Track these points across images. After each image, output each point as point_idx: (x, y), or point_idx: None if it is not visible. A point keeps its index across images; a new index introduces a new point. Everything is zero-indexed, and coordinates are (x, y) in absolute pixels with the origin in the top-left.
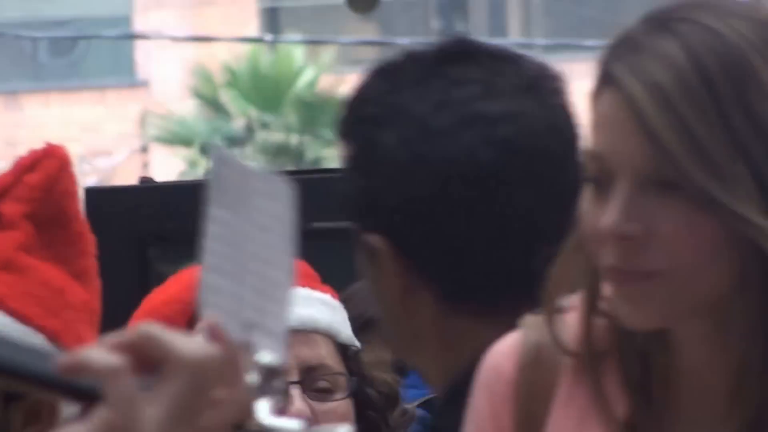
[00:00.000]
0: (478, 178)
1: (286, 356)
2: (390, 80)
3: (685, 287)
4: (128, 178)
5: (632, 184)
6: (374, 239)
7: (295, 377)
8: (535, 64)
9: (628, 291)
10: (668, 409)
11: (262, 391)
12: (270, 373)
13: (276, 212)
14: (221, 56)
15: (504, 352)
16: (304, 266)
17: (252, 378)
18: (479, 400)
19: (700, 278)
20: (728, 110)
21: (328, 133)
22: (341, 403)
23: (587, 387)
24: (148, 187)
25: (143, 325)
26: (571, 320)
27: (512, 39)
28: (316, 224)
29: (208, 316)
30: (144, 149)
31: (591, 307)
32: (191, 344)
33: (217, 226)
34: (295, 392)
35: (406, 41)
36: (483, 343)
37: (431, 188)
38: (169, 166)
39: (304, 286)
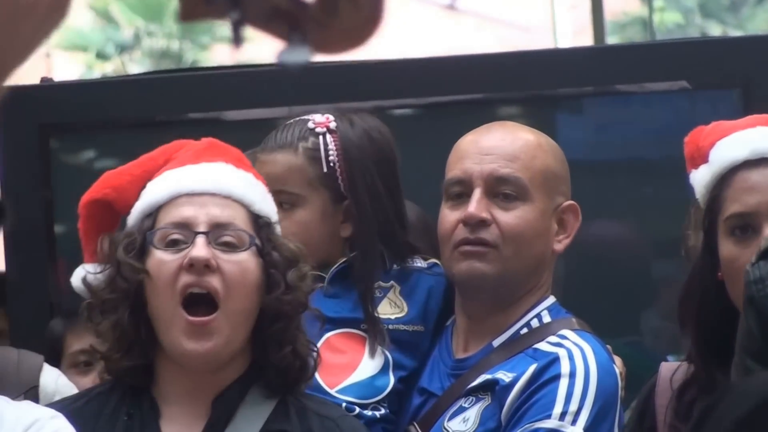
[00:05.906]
0: None
1: None
2: None
3: None
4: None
5: None
6: None
7: (203, 228)
8: None
9: None
10: None
11: None
12: None
13: None
14: None
15: None
16: (236, 151)
17: None
18: None
19: None
20: None
21: (205, 39)
22: (243, 256)
23: None
24: (49, 85)
25: None
26: None
27: None
28: (193, 115)
29: None
30: (47, 55)
31: None
32: None
33: None
34: (201, 240)
35: None
36: None
37: None
38: (68, 70)
39: (227, 163)
